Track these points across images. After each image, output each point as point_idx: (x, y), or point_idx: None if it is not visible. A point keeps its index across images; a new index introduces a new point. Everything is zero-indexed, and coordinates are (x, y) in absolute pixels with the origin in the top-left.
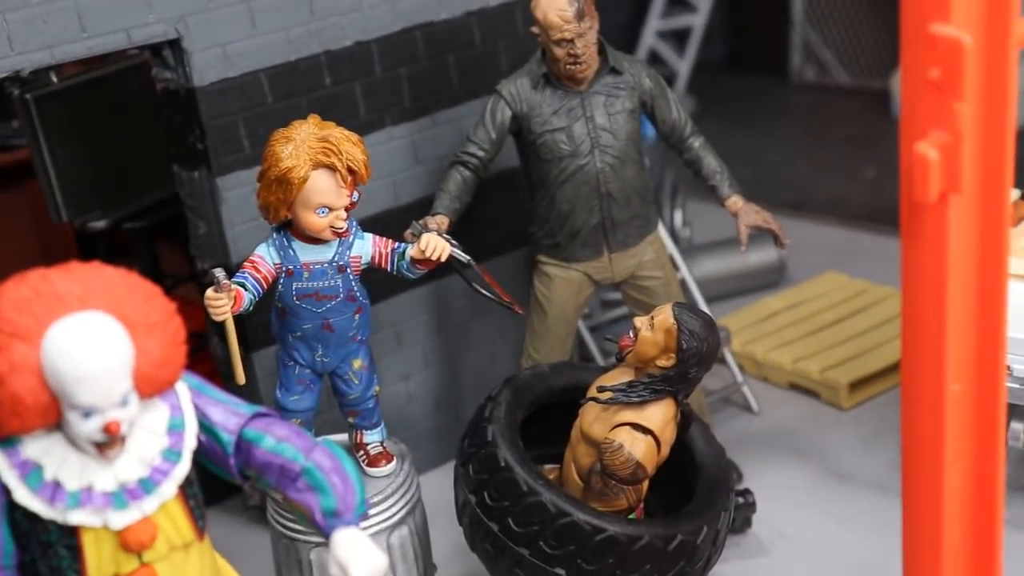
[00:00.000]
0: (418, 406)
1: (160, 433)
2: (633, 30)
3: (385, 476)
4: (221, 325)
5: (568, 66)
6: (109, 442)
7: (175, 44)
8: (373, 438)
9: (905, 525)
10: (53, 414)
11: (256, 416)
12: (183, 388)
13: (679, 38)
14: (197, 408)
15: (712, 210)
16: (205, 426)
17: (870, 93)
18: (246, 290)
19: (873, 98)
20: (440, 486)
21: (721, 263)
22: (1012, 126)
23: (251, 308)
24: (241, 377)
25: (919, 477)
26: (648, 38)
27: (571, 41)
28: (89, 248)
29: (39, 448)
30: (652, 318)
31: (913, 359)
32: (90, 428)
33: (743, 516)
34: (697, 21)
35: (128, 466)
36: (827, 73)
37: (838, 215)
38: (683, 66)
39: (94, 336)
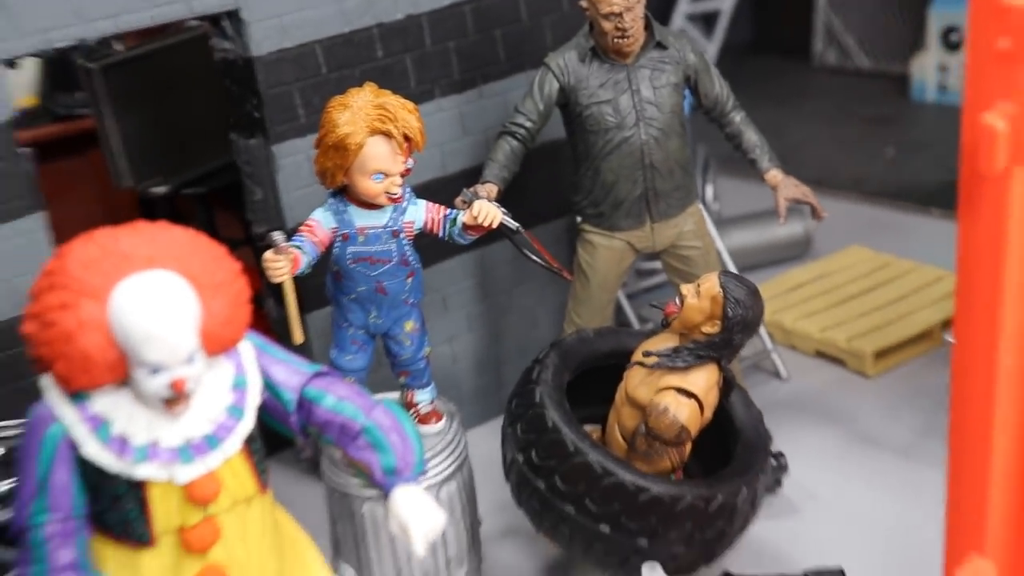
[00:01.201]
0: (462, 367)
1: (225, 390)
2: (664, 13)
3: (435, 434)
4: (279, 286)
5: (616, 40)
6: (175, 399)
7: (234, 15)
8: (424, 397)
9: (950, 493)
10: (121, 371)
11: (317, 375)
12: (247, 347)
13: (707, 21)
14: (260, 366)
15: (740, 186)
16: (268, 384)
17: (890, 77)
18: (303, 253)
19: (893, 81)
20: (483, 443)
21: (749, 235)
22: None
23: (308, 271)
24: (299, 336)
25: (966, 447)
26: (678, 20)
27: (619, 15)
28: (150, 214)
29: (107, 404)
30: (698, 286)
31: (966, 330)
32: (157, 385)
33: (774, 477)
34: (725, 5)
35: (193, 422)
36: (848, 57)
37: (860, 192)
38: (711, 48)
39: (162, 294)
